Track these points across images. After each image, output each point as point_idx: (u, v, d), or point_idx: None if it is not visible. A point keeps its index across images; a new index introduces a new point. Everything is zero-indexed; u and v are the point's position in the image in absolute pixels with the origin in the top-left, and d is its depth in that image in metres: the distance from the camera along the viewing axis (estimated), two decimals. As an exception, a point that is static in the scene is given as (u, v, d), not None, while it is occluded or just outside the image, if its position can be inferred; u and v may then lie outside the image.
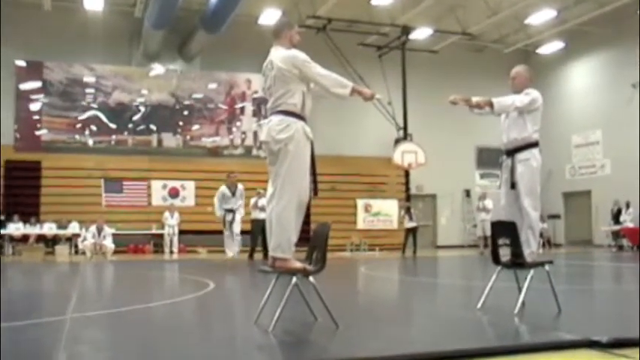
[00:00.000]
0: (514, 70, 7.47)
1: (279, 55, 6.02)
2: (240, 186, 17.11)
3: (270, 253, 5.91)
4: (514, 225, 6.79)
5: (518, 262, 6.81)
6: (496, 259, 6.98)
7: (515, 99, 7.15)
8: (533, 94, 7.21)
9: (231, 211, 16.87)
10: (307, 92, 6.01)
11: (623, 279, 13.54)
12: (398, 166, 25.99)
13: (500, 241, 6.97)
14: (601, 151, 28.28)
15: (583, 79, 29.56)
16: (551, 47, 29.54)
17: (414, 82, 27.54)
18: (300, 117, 5.94)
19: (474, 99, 7.04)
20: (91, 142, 25.30)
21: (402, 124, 26.84)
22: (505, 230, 6.91)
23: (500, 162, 7.45)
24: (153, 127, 26.09)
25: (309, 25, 25.29)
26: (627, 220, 24.82)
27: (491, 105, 7.05)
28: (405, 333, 5.95)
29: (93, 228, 20.85)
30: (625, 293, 9.98)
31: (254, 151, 25.82)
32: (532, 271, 6.74)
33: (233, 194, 16.95)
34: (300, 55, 5.96)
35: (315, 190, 6.05)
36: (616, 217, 25.49)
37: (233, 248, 17.01)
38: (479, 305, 6.93)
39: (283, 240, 5.79)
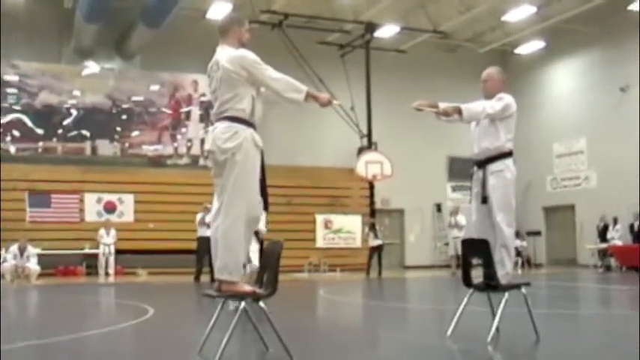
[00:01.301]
0: (485, 73, 7.50)
1: (225, 55, 6.02)
2: None
3: (216, 276, 5.89)
4: (486, 243, 6.85)
5: (491, 284, 6.88)
6: (467, 280, 7.04)
7: (486, 105, 7.20)
8: (506, 99, 7.26)
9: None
10: (257, 96, 6.01)
11: (610, 303, 13.74)
12: (361, 177, 26.08)
13: (472, 261, 7.03)
14: (585, 162, 28.68)
15: (566, 81, 29.99)
16: (530, 47, 29.94)
17: (380, 84, 27.70)
18: (249, 124, 5.94)
19: (442, 105, 7.07)
20: (13, 149, 24.95)
21: (365, 132, 26.96)
22: (477, 249, 6.97)
23: (471, 174, 7.51)
24: (86, 133, 25.82)
25: (264, 20, 25.32)
26: (615, 238, 25.16)
27: (459, 112, 7.08)
28: (368, 364, 5.97)
29: (14, 248, 20.52)
30: (612, 319, 10.12)
31: (201, 161, 25.72)
32: (507, 295, 6.81)
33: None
34: (249, 56, 5.96)
35: (265, 205, 6.05)
36: (602, 234, 25.78)
37: None
38: (449, 332, 6.97)
39: (230, 261, 5.77)
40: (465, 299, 7.04)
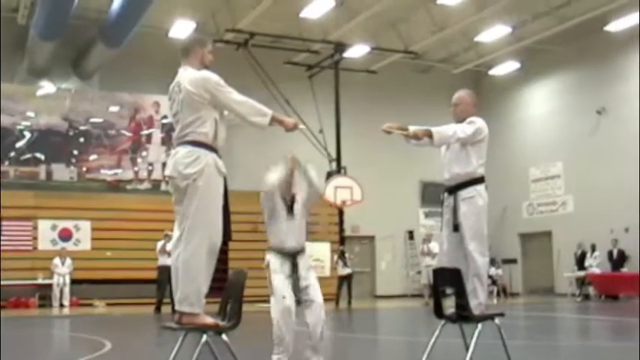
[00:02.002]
0: (456, 96, 7.55)
1: (187, 76, 6.02)
2: None
3: (177, 307, 5.86)
4: (458, 272, 6.88)
5: (463, 315, 6.90)
6: (439, 311, 7.06)
7: (457, 129, 7.25)
8: (477, 122, 7.32)
9: None
10: (220, 120, 6.03)
11: (588, 334, 13.84)
12: (330, 203, 26.06)
13: (445, 291, 7.06)
14: (562, 186, 28.93)
15: (541, 104, 30.29)
16: (505, 68, 30.23)
17: (350, 106, 27.83)
18: (211, 148, 5.95)
19: (412, 128, 7.11)
20: (-37, 173, 24.72)
21: (334, 156, 27.01)
22: (449, 279, 7.00)
23: (442, 200, 7.55)
24: (40, 156, 25.62)
25: (229, 40, 25.38)
26: (593, 265, 25.34)
27: (430, 136, 7.13)
28: (335, 399, 5.96)
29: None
30: (590, 351, 10.19)
31: (162, 186, 25.60)
32: (480, 326, 6.83)
33: None
34: (212, 77, 5.98)
35: (228, 234, 6.03)
36: (580, 261, 25.98)
37: None
38: (421, 365, 6.98)
39: (191, 291, 5.75)
40: (437, 331, 7.06)
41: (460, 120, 7.40)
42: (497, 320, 6.96)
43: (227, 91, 5.96)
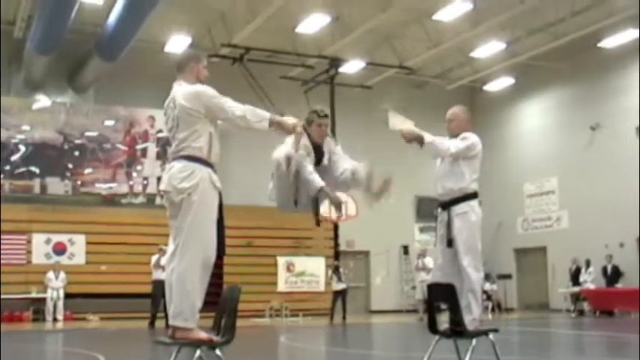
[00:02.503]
0: (450, 112, 7.65)
1: (182, 91, 6.04)
2: None
3: (170, 322, 5.85)
4: (452, 288, 6.89)
5: (457, 330, 6.90)
6: (433, 327, 7.06)
7: (450, 144, 7.31)
8: (471, 138, 7.37)
9: None
10: (215, 134, 6.05)
11: (583, 350, 13.82)
12: (325, 218, 26.04)
13: (440, 306, 7.06)
14: (557, 202, 28.98)
15: (536, 119, 30.37)
16: (499, 83, 30.31)
17: (345, 121, 27.80)
18: (206, 163, 5.97)
19: (406, 127, 7.16)
20: (-43, 187, 24.68)
21: (330, 170, 27.00)
22: (443, 294, 7.01)
23: (435, 215, 7.58)
24: (35, 169, 25.60)
25: (224, 54, 25.42)
26: (588, 281, 25.35)
27: (421, 142, 7.17)
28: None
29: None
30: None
31: (158, 200, 25.56)
32: (474, 342, 6.83)
33: None
34: (208, 91, 6.00)
35: (223, 248, 6.03)
36: (575, 277, 26.00)
37: None
38: (415, 381, 6.98)
39: (185, 306, 5.75)
40: (432, 346, 7.06)
41: (454, 135, 7.47)
42: (491, 336, 6.97)
43: (223, 103, 5.99)
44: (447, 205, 7.40)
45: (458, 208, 7.32)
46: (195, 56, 6.36)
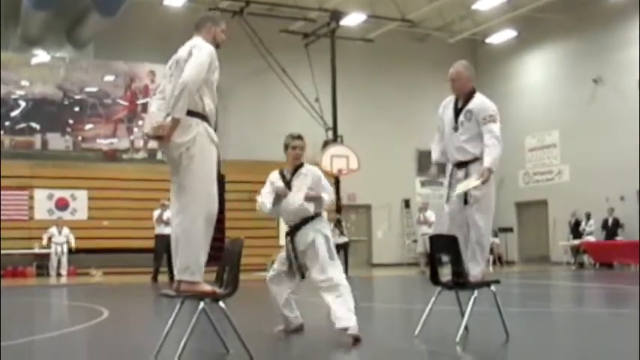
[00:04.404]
0: (453, 71, 7.55)
1: (191, 43, 6.03)
2: None
3: (177, 276, 5.89)
4: (455, 240, 6.93)
5: (459, 281, 6.96)
6: (435, 278, 7.12)
7: (495, 140, 7.26)
8: (496, 113, 7.39)
9: None
10: (209, 90, 6.00)
11: (582, 301, 13.94)
12: (326, 172, 26.06)
13: (440, 259, 7.12)
14: (558, 156, 28.97)
15: (538, 72, 30.25)
16: (501, 36, 30.12)
17: (346, 75, 27.73)
18: (202, 117, 5.95)
19: (476, 182, 7.20)
20: (-43, 143, 24.67)
21: (331, 124, 26.97)
22: (445, 246, 7.05)
23: (450, 173, 7.55)
24: (36, 125, 25.56)
25: (224, 8, 25.22)
26: (587, 231, 25.44)
27: (490, 171, 7.24)
28: (332, 365, 6.01)
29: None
30: (583, 317, 10.27)
31: (159, 155, 25.53)
32: (476, 292, 6.89)
33: None
34: (202, 52, 5.88)
35: (222, 205, 6.05)
36: (574, 230, 26.12)
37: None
38: (417, 331, 7.05)
39: (191, 260, 5.79)
40: (433, 298, 7.12)
41: (459, 94, 7.46)
42: (492, 287, 7.03)
43: (195, 65, 5.81)
44: (464, 164, 7.39)
45: (476, 167, 7.30)
46: (213, 18, 6.34)
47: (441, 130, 7.67)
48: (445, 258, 7.38)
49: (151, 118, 6.21)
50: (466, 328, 6.86)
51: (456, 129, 7.44)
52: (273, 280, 7.66)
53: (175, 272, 5.93)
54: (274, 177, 7.49)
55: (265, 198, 7.38)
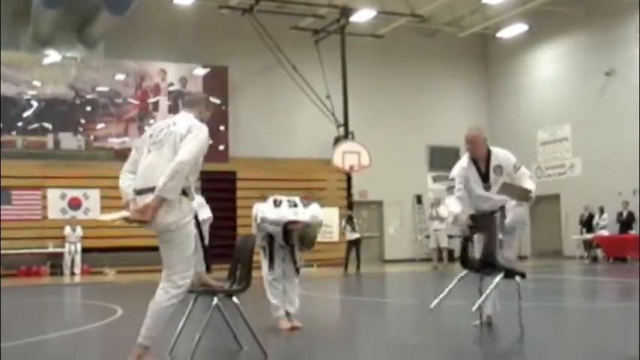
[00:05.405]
0: (471, 134, 7.96)
1: (190, 121, 5.99)
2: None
3: (139, 340, 5.84)
4: (494, 219, 7.18)
5: (488, 261, 7.06)
6: (465, 259, 7.34)
7: (527, 186, 7.77)
8: (522, 166, 7.95)
9: None
10: (196, 171, 5.95)
11: (596, 295, 13.91)
12: (338, 168, 26.11)
13: (475, 238, 7.33)
14: (570, 149, 28.86)
15: (549, 66, 30.13)
16: (512, 30, 29.95)
17: (356, 71, 27.72)
18: (184, 193, 5.83)
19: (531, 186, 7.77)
20: (-29, 144, 24.77)
21: (342, 121, 26.97)
22: (484, 223, 7.28)
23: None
24: (48, 125, 25.63)
25: (234, 5, 25.23)
26: (600, 225, 25.35)
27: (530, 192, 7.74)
28: (346, 361, 6.03)
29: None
30: (597, 312, 10.26)
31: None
32: (500, 276, 6.92)
33: None
34: (201, 133, 5.87)
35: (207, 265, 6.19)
36: (587, 224, 26.02)
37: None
38: (432, 306, 7.27)
39: (155, 332, 5.77)
40: (456, 279, 7.18)
41: (478, 156, 7.91)
42: (517, 278, 7.07)
43: (192, 147, 5.77)
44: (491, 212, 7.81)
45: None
46: (206, 99, 6.38)
47: (467, 189, 7.98)
48: (478, 240, 7.55)
49: (127, 195, 6.34)
50: (480, 317, 6.91)
51: (487, 188, 7.86)
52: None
53: (140, 337, 5.79)
54: None
55: None
